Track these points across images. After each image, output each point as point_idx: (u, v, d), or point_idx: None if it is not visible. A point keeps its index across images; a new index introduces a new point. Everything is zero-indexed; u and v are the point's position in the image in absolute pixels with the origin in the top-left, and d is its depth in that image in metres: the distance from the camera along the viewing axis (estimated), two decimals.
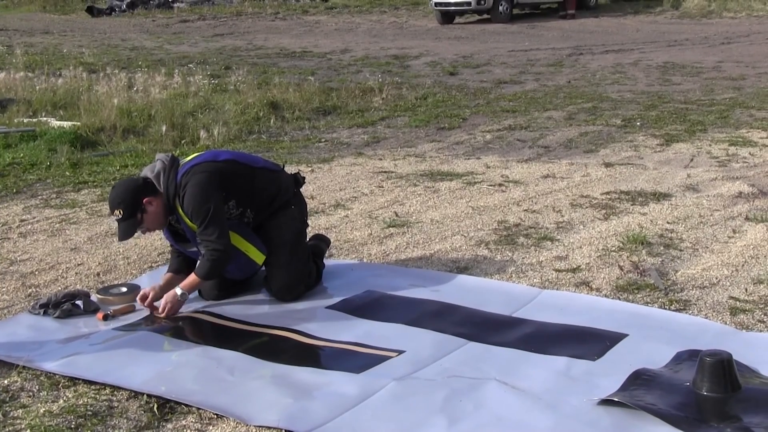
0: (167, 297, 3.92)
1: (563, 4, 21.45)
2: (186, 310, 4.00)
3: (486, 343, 3.54)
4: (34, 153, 7.41)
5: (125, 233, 3.89)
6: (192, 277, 3.93)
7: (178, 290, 3.92)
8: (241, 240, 3.99)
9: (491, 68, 13.11)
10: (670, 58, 13.72)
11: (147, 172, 3.94)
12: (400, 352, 3.49)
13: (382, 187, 6.26)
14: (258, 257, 4.04)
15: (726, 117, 8.64)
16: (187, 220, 3.89)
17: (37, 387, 3.29)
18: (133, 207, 3.81)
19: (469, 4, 20.27)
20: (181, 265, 4.10)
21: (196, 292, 4.17)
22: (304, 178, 4.35)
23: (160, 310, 3.89)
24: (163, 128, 8.33)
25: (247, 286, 4.21)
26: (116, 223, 3.92)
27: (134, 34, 19.69)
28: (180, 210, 3.89)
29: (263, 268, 4.14)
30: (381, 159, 7.28)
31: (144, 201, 3.82)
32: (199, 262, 3.92)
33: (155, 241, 5.10)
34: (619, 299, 4.01)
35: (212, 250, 3.85)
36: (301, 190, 4.32)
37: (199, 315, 3.96)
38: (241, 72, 12.01)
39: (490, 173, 6.59)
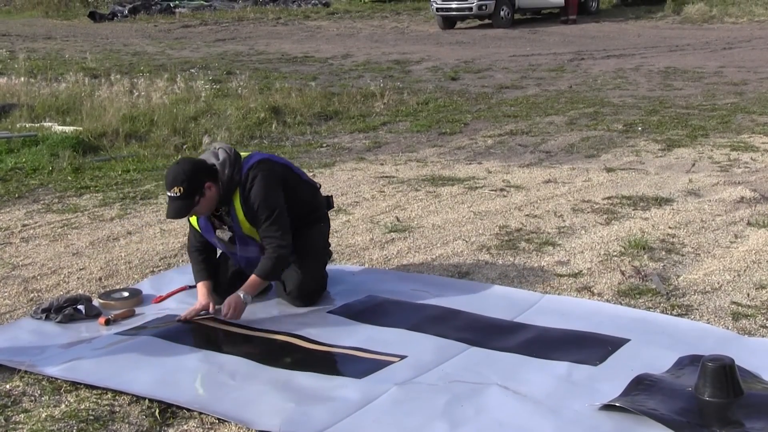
0: (230, 301, 3.82)
1: (565, 9, 21.47)
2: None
3: (487, 348, 3.54)
4: (36, 158, 7.42)
5: (178, 212, 3.77)
6: (253, 279, 3.86)
7: (240, 293, 3.84)
8: None
9: (492, 73, 13.12)
10: (672, 63, 13.73)
11: (210, 158, 3.86)
12: (402, 357, 3.49)
13: (384, 192, 6.27)
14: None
15: (728, 122, 8.64)
16: (241, 215, 3.86)
17: (39, 392, 3.29)
18: (195, 188, 3.73)
19: (470, 9, 20.30)
20: (209, 271, 4.02)
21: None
22: (333, 203, 4.39)
23: (224, 313, 3.81)
24: (166, 134, 8.35)
25: None
26: (168, 199, 3.78)
27: (136, 40, 19.73)
28: (238, 202, 3.84)
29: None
30: (382, 164, 7.29)
31: (206, 184, 3.77)
32: (261, 261, 3.86)
33: (157, 246, 5.11)
34: (621, 304, 4.01)
35: (276, 247, 3.82)
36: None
37: (201, 320, 3.96)
38: (243, 77, 12.02)
39: (491, 178, 6.59)
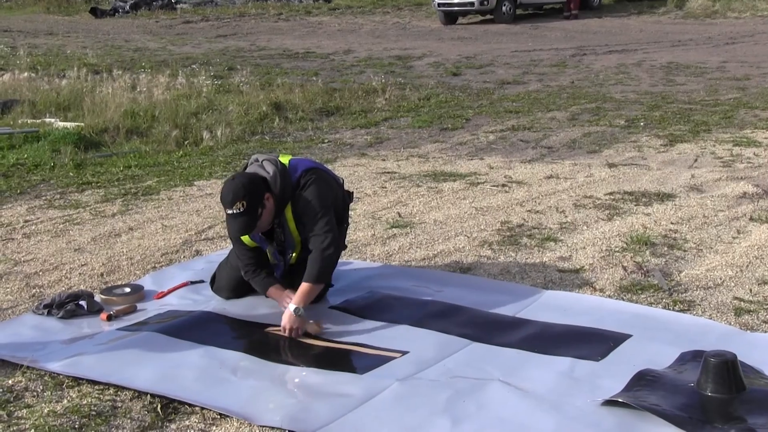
0: (284, 323, 3.64)
1: (566, 4, 21.43)
2: (191, 309, 4.01)
3: (489, 344, 3.54)
4: (38, 154, 7.42)
5: (244, 228, 3.68)
6: (303, 287, 3.69)
7: (291, 307, 3.65)
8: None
9: (494, 69, 13.11)
10: (674, 58, 13.71)
11: (259, 171, 3.77)
12: (404, 352, 3.49)
13: (386, 187, 6.26)
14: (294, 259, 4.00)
15: (730, 117, 8.63)
16: (292, 224, 3.81)
17: (41, 387, 3.29)
18: (256, 201, 3.64)
19: (472, 4, 20.27)
20: (273, 277, 3.94)
21: (208, 289, 4.18)
22: (353, 197, 4.32)
23: (287, 333, 3.64)
24: (167, 129, 8.35)
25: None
26: (229, 217, 3.66)
27: (137, 35, 19.72)
28: (290, 212, 3.79)
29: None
30: (384, 160, 7.28)
31: (265, 195, 3.70)
32: (308, 265, 3.73)
33: (158, 242, 5.11)
34: (623, 300, 4.01)
35: (325, 247, 3.71)
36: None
37: (203, 315, 3.96)
38: (245, 73, 12.03)
39: (493, 174, 6.59)
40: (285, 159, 3.93)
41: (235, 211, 3.64)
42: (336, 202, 3.97)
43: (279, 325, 3.77)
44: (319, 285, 3.77)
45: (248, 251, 3.91)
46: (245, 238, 3.86)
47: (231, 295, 4.11)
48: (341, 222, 4.08)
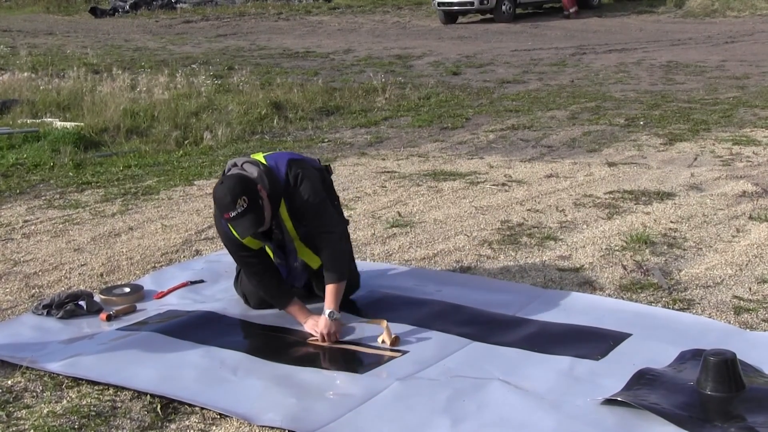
0: (321, 328, 3.60)
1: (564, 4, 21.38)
2: (190, 309, 4.01)
3: (489, 343, 3.54)
4: (38, 154, 7.42)
5: (254, 223, 3.52)
6: (330, 288, 3.66)
7: (325, 312, 3.62)
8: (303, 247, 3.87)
9: (494, 68, 13.10)
10: (674, 57, 13.70)
11: (243, 173, 3.65)
12: (404, 352, 3.49)
13: (385, 187, 6.26)
14: (314, 262, 3.89)
15: (730, 116, 8.62)
16: (289, 223, 3.73)
17: (40, 387, 3.29)
18: (254, 194, 3.51)
19: (472, 3, 20.27)
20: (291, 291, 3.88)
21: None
22: (332, 170, 4.15)
23: (322, 341, 3.60)
24: (167, 129, 8.35)
25: None
26: (234, 218, 3.50)
27: (137, 35, 19.72)
28: (284, 210, 3.69)
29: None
30: (384, 159, 7.28)
31: (258, 187, 3.57)
32: (325, 267, 3.70)
33: (158, 241, 5.11)
34: (623, 299, 4.00)
35: (337, 241, 3.70)
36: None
37: (203, 315, 3.96)
38: (245, 72, 12.02)
39: (493, 173, 6.58)
40: (259, 157, 3.81)
41: (239, 210, 3.50)
42: (324, 186, 3.86)
43: (277, 326, 3.78)
44: (343, 282, 3.72)
45: (252, 258, 3.77)
46: (249, 240, 3.71)
47: (265, 305, 3.96)
48: (332, 201, 3.94)
